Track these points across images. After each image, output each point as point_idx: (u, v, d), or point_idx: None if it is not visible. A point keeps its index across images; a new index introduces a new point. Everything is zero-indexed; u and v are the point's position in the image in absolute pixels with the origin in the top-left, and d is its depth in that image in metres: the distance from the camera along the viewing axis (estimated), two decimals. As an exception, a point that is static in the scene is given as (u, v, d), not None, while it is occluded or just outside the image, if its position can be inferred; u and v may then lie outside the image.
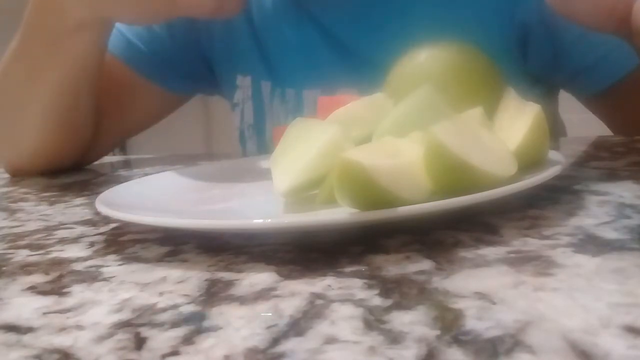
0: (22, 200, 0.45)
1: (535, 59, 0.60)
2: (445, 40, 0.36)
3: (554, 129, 0.71)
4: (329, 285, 0.21)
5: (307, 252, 0.25)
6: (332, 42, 0.61)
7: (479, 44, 0.58)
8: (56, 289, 0.24)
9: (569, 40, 0.58)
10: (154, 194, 0.36)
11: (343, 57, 0.61)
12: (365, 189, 0.24)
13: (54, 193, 0.49)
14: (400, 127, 0.31)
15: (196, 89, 0.75)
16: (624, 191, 0.32)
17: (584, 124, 0.82)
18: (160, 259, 0.26)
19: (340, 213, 0.25)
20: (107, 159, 0.75)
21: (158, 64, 0.68)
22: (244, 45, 0.67)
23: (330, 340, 0.17)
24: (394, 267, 0.23)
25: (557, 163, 0.31)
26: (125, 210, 0.29)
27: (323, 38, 0.62)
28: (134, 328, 0.19)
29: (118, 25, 0.68)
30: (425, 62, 0.35)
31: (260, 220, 0.25)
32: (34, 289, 0.24)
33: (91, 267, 0.26)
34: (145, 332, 0.19)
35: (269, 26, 0.65)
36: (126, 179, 0.54)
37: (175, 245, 0.28)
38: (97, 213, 0.30)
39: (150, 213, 0.30)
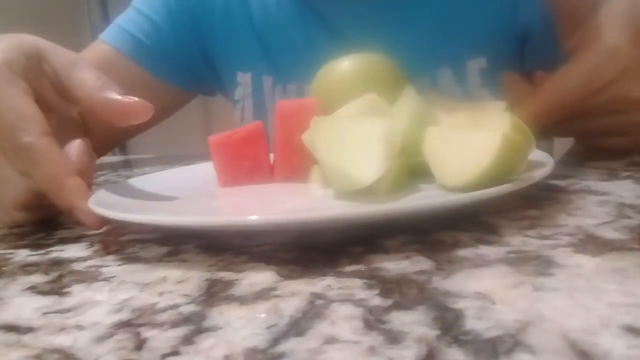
0: (22, 200, 0.45)
1: (532, 58, 0.60)
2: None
3: None
4: (329, 285, 0.21)
5: (307, 252, 0.25)
6: (335, 36, 0.61)
7: (481, 42, 0.58)
8: (56, 289, 0.24)
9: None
10: (147, 194, 0.36)
11: (346, 51, 0.61)
12: (521, 158, 0.30)
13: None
14: (421, 124, 0.33)
15: (198, 87, 0.75)
16: (624, 191, 0.32)
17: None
18: (160, 259, 0.26)
19: (338, 209, 0.25)
20: (107, 159, 0.75)
21: (162, 59, 0.68)
22: (245, 41, 0.67)
23: (330, 340, 0.17)
24: (394, 267, 0.23)
25: (549, 161, 0.31)
26: (120, 210, 0.29)
27: (326, 32, 0.62)
28: (134, 328, 0.19)
29: (121, 22, 0.68)
30: (346, 69, 0.40)
31: (255, 217, 0.25)
32: (34, 289, 0.24)
33: (91, 267, 0.26)
34: (145, 332, 0.19)
35: (271, 21, 0.65)
36: (126, 179, 0.54)
37: (175, 245, 0.28)
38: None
39: (145, 213, 0.30)
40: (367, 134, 0.30)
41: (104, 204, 0.30)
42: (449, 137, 0.31)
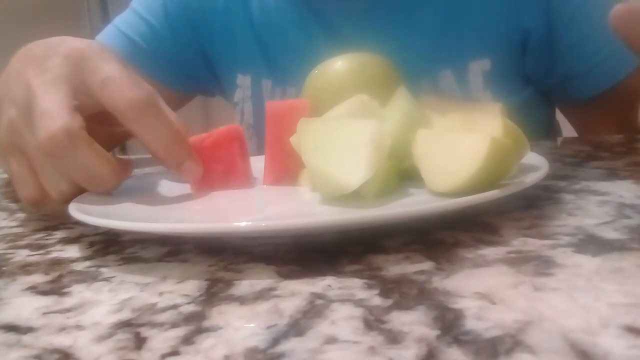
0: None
1: (532, 61, 0.60)
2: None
3: (551, 128, 0.71)
4: (329, 285, 0.21)
5: (307, 252, 0.25)
6: (336, 39, 0.61)
7: (485, 43, 0.58)
8: (56, 289, 0.24)
9: (568, 45, 0.58)
10: (130, 197, 0.35)
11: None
12: (511, 163, 0.29)
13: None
14: (413, 126, 0.32)
15: (197, 89, 0.75)
16: (624, 191, 0.32)
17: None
18: (160, 259, 0.26)
19: (340, 213, 0.25)
20: (107, 159, 0.75)
21: (160, 62, 0.68)
22: (245, 44, 0.66)
23: (330, 340, 0.17)
24: (394, 267, 0.23)
25: (543, 165, 0.31)
26: (99, 216, 0.28)
27: (326, 35, 0.62)
28: (134, 328, 0.19)
29: (119, 24, 0.68)
30: (339, 69, 0.40)
31: (263, 223, 0.25)
32: (34, 289, 0.24)
33: (91, 267, 0.26)
34: (145, 332, 0.19)
35: (271, 24, 0.65)
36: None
37: (175, 245, 0.28)
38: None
39: (122, 219, 0.28)
40: (355, 136, 0.29)
41: (84, 208, 0.30)
42: (439, 140, 0.30)
